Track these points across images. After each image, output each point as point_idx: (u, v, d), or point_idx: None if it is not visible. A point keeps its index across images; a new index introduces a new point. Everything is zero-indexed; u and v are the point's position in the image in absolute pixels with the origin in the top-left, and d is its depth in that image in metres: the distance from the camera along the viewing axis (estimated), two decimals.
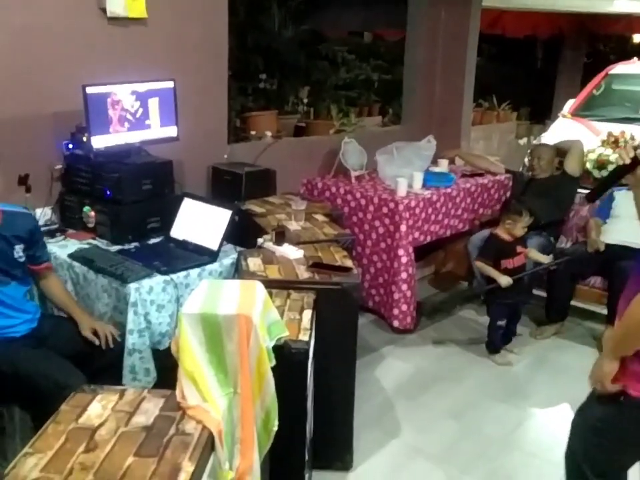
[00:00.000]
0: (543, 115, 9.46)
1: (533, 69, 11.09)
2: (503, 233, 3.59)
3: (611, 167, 5.83)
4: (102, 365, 2.38)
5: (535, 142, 6.79)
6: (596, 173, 5.90)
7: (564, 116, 7.09)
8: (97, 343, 2.41)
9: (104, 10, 2.98)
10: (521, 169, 5.17)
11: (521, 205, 3.62)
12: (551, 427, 3.09)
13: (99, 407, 1.70)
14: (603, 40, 10.72)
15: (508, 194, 4.53)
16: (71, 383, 2.00)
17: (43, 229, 2.75)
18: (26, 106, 2.83)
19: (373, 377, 3.43)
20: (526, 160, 5.30)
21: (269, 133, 4.44)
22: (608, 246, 3.74)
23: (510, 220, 3.54)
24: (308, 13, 6.07)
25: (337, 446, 2.65)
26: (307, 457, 2.32)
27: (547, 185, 4.20)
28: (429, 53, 5.03)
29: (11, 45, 2.76)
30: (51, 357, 2.30)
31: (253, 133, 4.58)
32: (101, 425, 1.62)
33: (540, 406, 3.26)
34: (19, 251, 2.42)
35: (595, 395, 1.89)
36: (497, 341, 3.67)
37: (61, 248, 2.77)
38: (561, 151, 4.40)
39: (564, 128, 6.63)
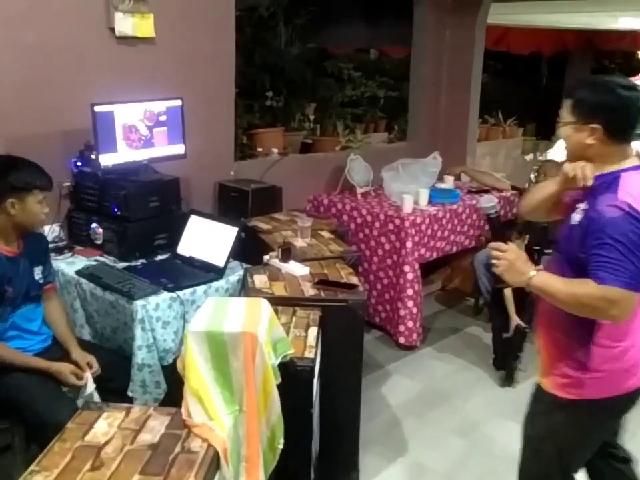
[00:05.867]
0: (549, 130, 9.45)
1: (539, 85, 11.12)
2: None
3: None
4: (113, 387, 2.37)
5: (541, 158, 6.78)
6: None
7: None
8: (79, 384, 2.26)
9: (113, 30, 3.03)
10: (527, 185, 5.16)
11: (508, 230, 3.55)
12: None
13: (105, 425, 1.71)
14: (608, 56, 10.73)
15: (514, 210, 4.54)
16: (55, 422, 1.89)
17: (51, 245, 2.77)
18: (36, 124, 2.86)
19: (379, 394, 3.41)
20: (532, 176, 5.30)
21: (275, 150, 4.44)
22: None
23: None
24: (314, 30, 6.10)
25: (342, 464, 2.64)
26: (312, 475, 2.30)
27: None
28: (434, 70, 5.07)
29: (21, 64, 2.80)
30: (46, 389, 2.20)
31: (259, 149, 4.58)
32: (106, 442, 1.63)
33: None
34: (38, 273, 2.42)
35: None
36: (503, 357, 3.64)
37: (68, 265, 2.79)
38: None
39: None
